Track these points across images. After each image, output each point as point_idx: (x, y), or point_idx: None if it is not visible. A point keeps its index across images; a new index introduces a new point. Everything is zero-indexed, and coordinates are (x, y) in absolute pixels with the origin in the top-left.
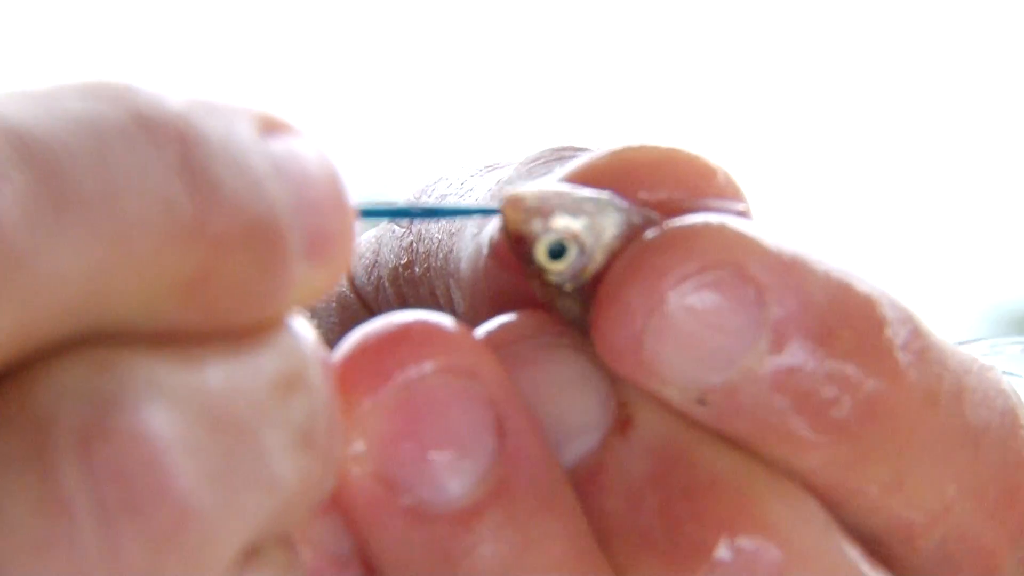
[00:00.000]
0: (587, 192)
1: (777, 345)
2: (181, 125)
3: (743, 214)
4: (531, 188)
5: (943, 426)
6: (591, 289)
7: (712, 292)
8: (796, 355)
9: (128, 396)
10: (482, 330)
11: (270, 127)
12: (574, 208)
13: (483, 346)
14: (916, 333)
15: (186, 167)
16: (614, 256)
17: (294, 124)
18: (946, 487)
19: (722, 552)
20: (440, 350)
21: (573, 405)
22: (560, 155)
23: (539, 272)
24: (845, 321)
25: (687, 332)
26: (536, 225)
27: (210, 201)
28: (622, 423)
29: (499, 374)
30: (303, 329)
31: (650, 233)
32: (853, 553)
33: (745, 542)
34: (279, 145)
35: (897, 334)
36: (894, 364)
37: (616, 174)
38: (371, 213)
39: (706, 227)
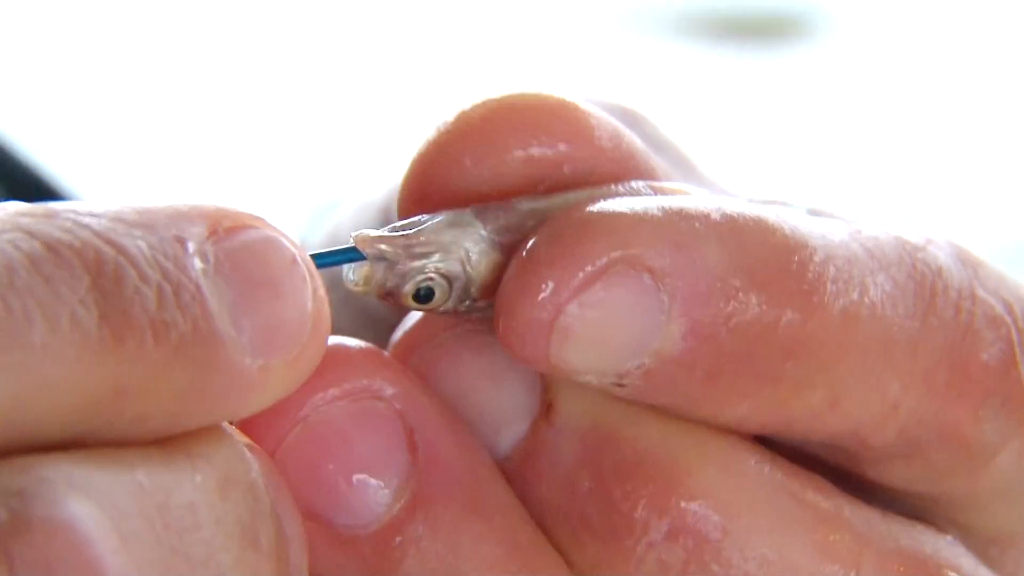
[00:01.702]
0: (437, 221)
1: (684, 322)
2: (93, 250)
3: (619, 153)
4: (375, 242)
5: (868, 337)
6: (491, 289)
7: (608, 290)
8: (704, 325)
9: (48, 491)
10: (400, 330)
11: (220, 226)
12: (425, 245)
13: (386, 362)
14: (816, 255)
15: (96, 290)
16: (500, 260)
17: (248, 218)
18: (887, 389)
19: (659, 527)
20: (340, 376)
21: (499, 394)
22: None
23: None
24: (746, 274)
25: (590, 333)
26: (391, 281)
27: (121, 322)
28: (547, 407)
29: (406, 387)
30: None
31: (531, 240)
32: (799, 491)
33: (680, 513)
34: (227, 244)
35: (800, 263)
36: (804, 299)
37: (487, 127)
38: None
39: (586, 223)
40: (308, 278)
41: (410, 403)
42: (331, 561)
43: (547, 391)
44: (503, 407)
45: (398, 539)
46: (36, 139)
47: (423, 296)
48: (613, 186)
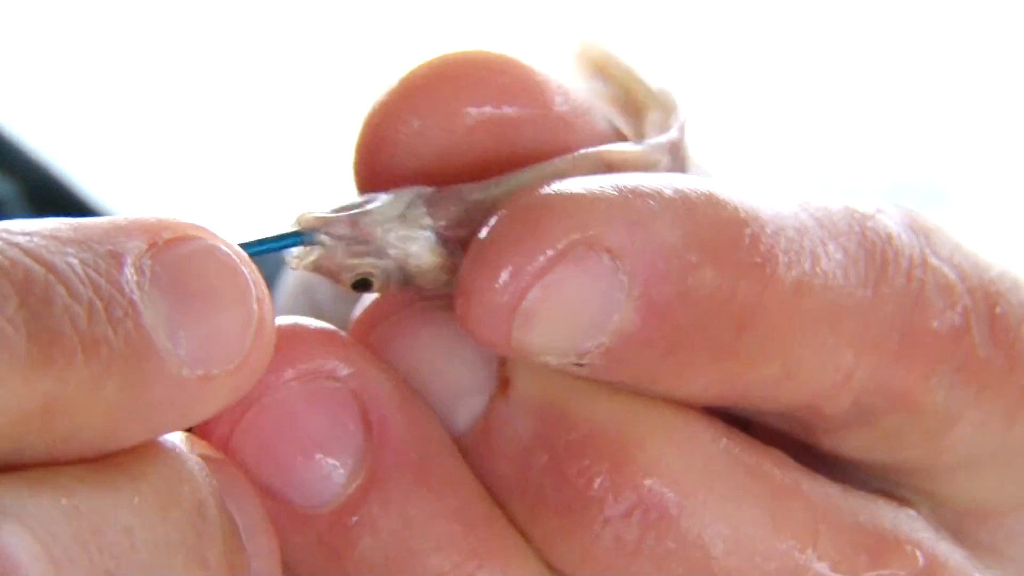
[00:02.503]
0: (384, 210)
1: (642, 300)
2: (22, 269)
3: (571, 115)
4: (318, 224)
5: (820, 307)
6: (435, 280)
7: (566, 271)
8: (662, 301)
9: None
10: (359, 307)
11: (160, 238)
12: (364, 242)
13: (341, 342)
14: (767, 227)
15: (24, 309)
16: (445, 255)
17: (189, 228)
18: (841, 358)
19: (614, 503)
20: (294, 357)
21: (455, 370)
22: None
23: None
24: (701, 249)
25: (550, 315)
26: (328, 266)
27: (50, 340)
28: (502, 384)
29: (361, 367)
30: (191, 449)
31: (490, 223)
32: (756, 464)
33: (635, 489)
34: (165, 257)
35: (752, 235)
36: (757, 271)
37: (431, 86)
38: None
39: (544, 206)
40: (250, 286)
41: (365, 382)
42: (289, 541)
43: (503, 367)
44: (460, 383)
45: (354, 518)
46: (48, 138)
47: (360, 285)
48: (558, 160)
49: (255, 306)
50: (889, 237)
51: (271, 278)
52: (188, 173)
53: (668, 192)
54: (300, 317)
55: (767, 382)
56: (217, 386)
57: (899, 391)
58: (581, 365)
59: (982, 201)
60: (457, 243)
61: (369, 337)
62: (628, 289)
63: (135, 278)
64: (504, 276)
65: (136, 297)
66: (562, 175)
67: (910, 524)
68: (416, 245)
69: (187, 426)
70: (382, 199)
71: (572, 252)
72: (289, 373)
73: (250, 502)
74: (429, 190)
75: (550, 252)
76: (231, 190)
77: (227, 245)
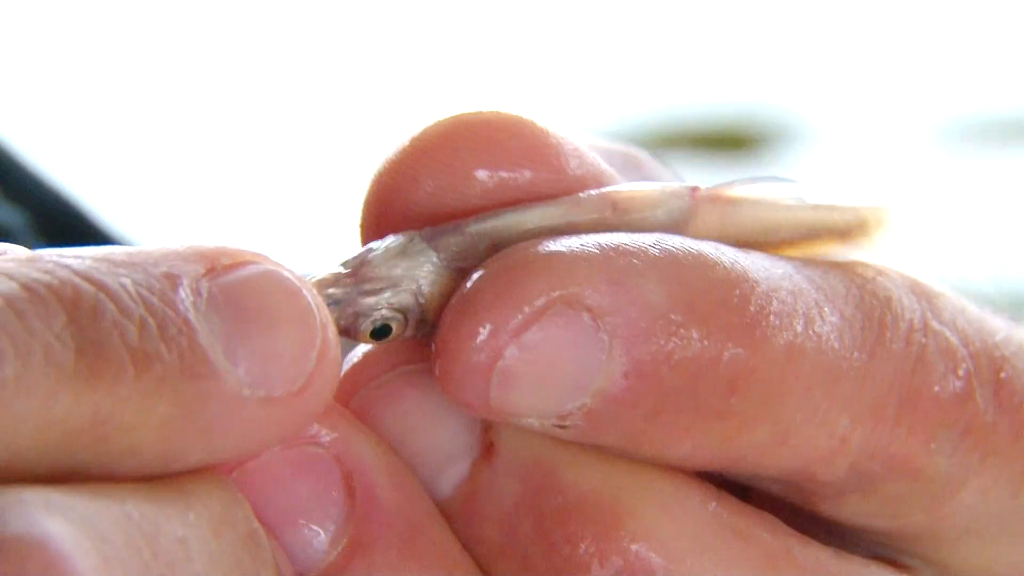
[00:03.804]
0: (386, 251)
1: (625, 360)
2: (71, 287)
3: (588, 177)
4: (321, 280)
5: (813, 371)
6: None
7: (546, 331)
8: (646, 362)
9: (24, 510)
10: (343, 367)
11: (219, 264)
12: (375, 281)
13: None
14: (758, 288)
15: (73, 325)
16: (452, 285)
17: (249, 255)
18: (836, 423)
19: (601, 570)
20: None
21: (439, 434)
22: None
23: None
24: (687, 309)
25: (530, 376)
26: (346, 320)
27: (98, 355)
28: (487, 448)
29: (345, 432)
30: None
31: (471, 280)
32: (746, 529)
33: (622, 556)
34: (223, 280)
35: (741, 296)
36: (746, 334)
37: (444, 146)
38: None
39: (525, 263)
40: (312, 308)
41: (349, 448)
42: None
43: (487, 431)
44: (444, 448)
45: None
46: (61, 165)
47: (380, 333)
48: (563, 199)
49: (318, 329)
50: (888, 300)
51: None
52: (204, 204)
53: (653, 251)
54: None
55: (759, 446)
56: (280, 409)
57: (899, 457)
58: (564, 427)
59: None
60: (460, 272)
61: (352, 401)
62: (610, 349)
63: (191, 298)
64: (481, 335)
65: (191, 316)
66: (565, 214)
67: None
68: (424, 272)
69: (251, 452)
70: (377, 244)
71: (551, 310)
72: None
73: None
74: (423, 230)
75: (528, 310)
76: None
77: (288, 271)
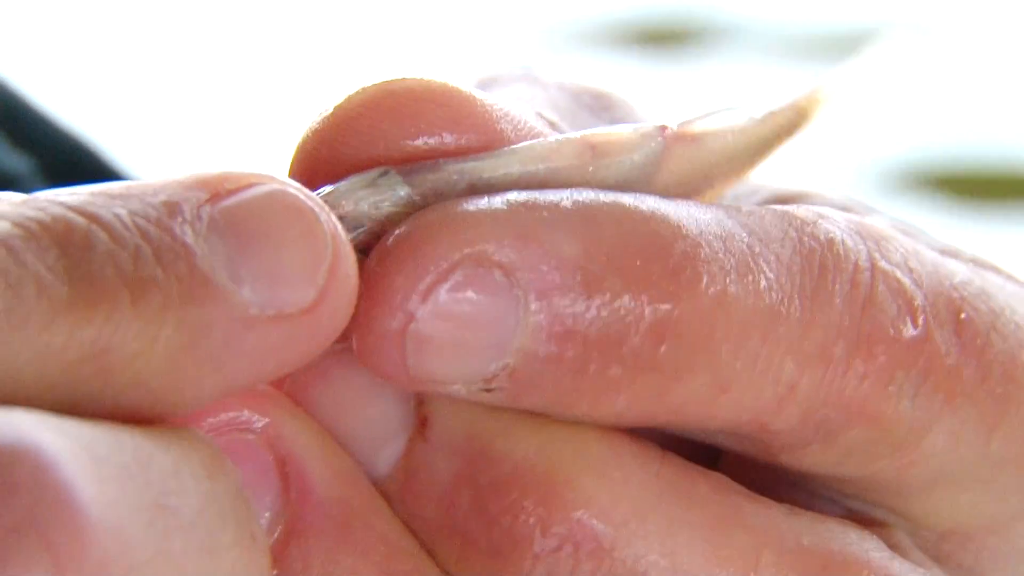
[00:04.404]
0: (352, 180)
1: (542, 316)
2: (63, 222)
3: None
4: None
5: (748, 317)
6: None
7: (459, 292)
8: (564, 318)
9: (16, 421)
10: None
11: (222, 188)
12: (335, 207)
13: (256, 391)
14: (682, 235)
15: (65, 258)
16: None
17: (254, 176)
18: (780, 370)
19: (543, 540)
20: (208, 409)
21: (373, 412)
22: (485, 84)
23: None
24: (603, 260)
25: (447, 340)
26: None
27: (92, 285)
28: (421, 423)
29: (277, 416)
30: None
31: (380, 245)
32: (691, 490)
33: (563, 525)
34: (226, 203)
35: (663, 245)
36: (670, 281)
37: (366, 116)
38: None
39: (429, 225)
40: (319, 222)
41: (281, 433)
42: None
43: (421, 405)
44: (378, 426)
45: (274, 572)
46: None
47: None
48: (540, 141)
49: (328, 243)
50: (830, 242)
51: None
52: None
53: (565, 204)
54: None
55: (699, 398)
56: (295, 327)
57: (855, 402)
58: (491, 391)
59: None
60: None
61: (284, 383)
62: (525, 305)
63: (190, 223)
64: (390, 301)
65: (189, 240)
66: (545, 158)
67: (860, 544)
68: (391, 206)
69: (270, 374)
70: (345, 179)
71: (460, 269)
72: (201, 426)
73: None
74: (400, 166)
75: (435, 270)
76: None
77: (295, 187)
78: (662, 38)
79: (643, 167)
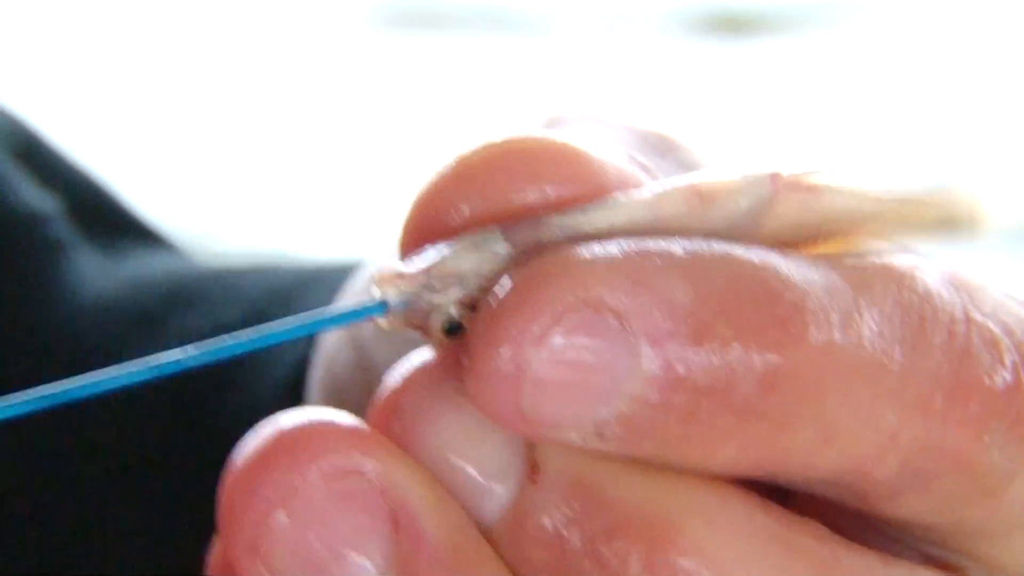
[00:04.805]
0: (457, 246)
1: (654, 362)
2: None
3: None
4: (395, 279)
5: (853, 368)
6: None
7: (573, 337)
8: (676, 364)
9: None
10: (379, 393)
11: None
12: (444, 278)
13: (367, 436)
14: (791, 286)
15: None
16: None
17: None
18: (882, 419)
19: None
20: (320, 455)
21: (482, 457)
22: (553, 124)
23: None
24: (714, 308)
25: (561, 384)
26: (416, 319)
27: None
28: (531, 469)
29: (387, 462)
30: None
31: (496, 290)
32: (793, 539)
33: (671, 572)
34: None
35: (773, 295)
36: (779, 331)
37: (486, 172)
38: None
39: (545, 270)
40: None
41: (392, 478)
42: None
43: (531, 450)
44: (487, 470)
45: None
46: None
47: (453, 330)
48: (646, 189)
49: None
50: (927, 294)
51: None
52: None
53: (677, 251)
54: (322, 410)
55: (805, 447)
56: None
57: (951, 451)
58: (604, 437)
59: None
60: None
61: (391, 426)
62: (638, 350)
63: None
64: (505, 344)
65: None
66: (652, 206)
67: None
68: (492, 265)
69: None
70: (450, 242)
71: (574, 314)
72: (315, 472)
73: None
74: (503, 224)
75: (551, 315)
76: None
77: None
78: (736, 25)
79: (750, 212)
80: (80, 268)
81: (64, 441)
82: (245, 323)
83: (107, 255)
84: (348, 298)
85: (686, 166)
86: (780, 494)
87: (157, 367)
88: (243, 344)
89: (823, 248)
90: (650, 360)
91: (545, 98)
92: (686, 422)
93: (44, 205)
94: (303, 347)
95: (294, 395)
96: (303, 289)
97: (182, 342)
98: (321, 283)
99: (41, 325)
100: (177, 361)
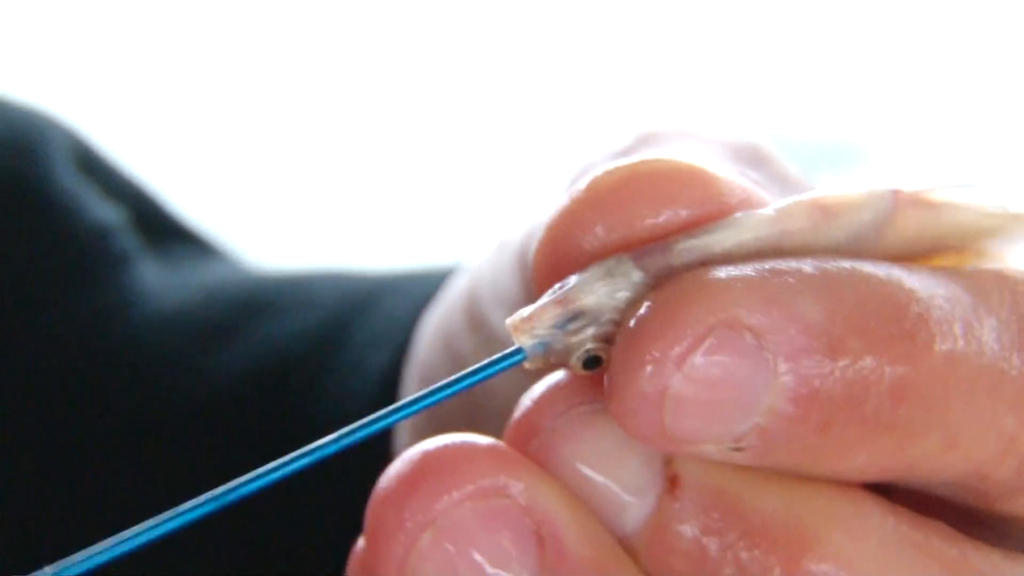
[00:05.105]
0: (586, 279)
1: (790, 378)
2: None
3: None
4: (529, 325)
5: (975, 376)
6: None
7: (713, 356)
8: (811, 379)
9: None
10: (515, 414)
11: None
12: (578, 316)
13: (510, 457)
14: (915, 298)
15: None
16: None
17: None
18: (1002, 424)
19: None
20: (465, 477)
21: (621, 472)
22: (647, 140)
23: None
24: (845, 323)
25: (702, 401)
26: (556, 358)
27: None
28: (671, 482)
29: (530, 481)
30: None
31: (637, 313)
32: (924, 541)
33: None
34: None
35: (899, 308)
36: (907, 343)
37: (618, 196)
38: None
39: (683, 292)
40: None
41: (535, 497)
42: None
43: (669, 465)
44: (626, 485)
45: None
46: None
47: (591, 363)
48: (770, 208)
49: None
50: None
51: None
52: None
53: (808, 269)
54: (466, 435)
55: (931, 454)
56: None
57: None
58: (740, 450)
59: (896, 161)
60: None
61: (528, 447)
62: (774, 367)
63: None
64: (648, 366)
65: None
66: (777, 222)
67: None
68: (626, 293)
69: None
70: (580, 273)
71: (713, 334)
72: (461, 493)
73: None
74: (632, 251)
75: (691, 336)
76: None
77: None
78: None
79: (872, 226)
80: (147, 279)
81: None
82: (322, 329)
83: (168, 264)
84: (439, 308)
85: (779, 178)
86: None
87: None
88: (374, 423)
89: (939, 261)
90: (786, 375)
91: None
92: (820, 433)
93: (110, 217)
94: (398, 339)
95: (388, 389)
96: (379, 296)
97: (258, 352)
98: (398, 291)
99: (115, 337)
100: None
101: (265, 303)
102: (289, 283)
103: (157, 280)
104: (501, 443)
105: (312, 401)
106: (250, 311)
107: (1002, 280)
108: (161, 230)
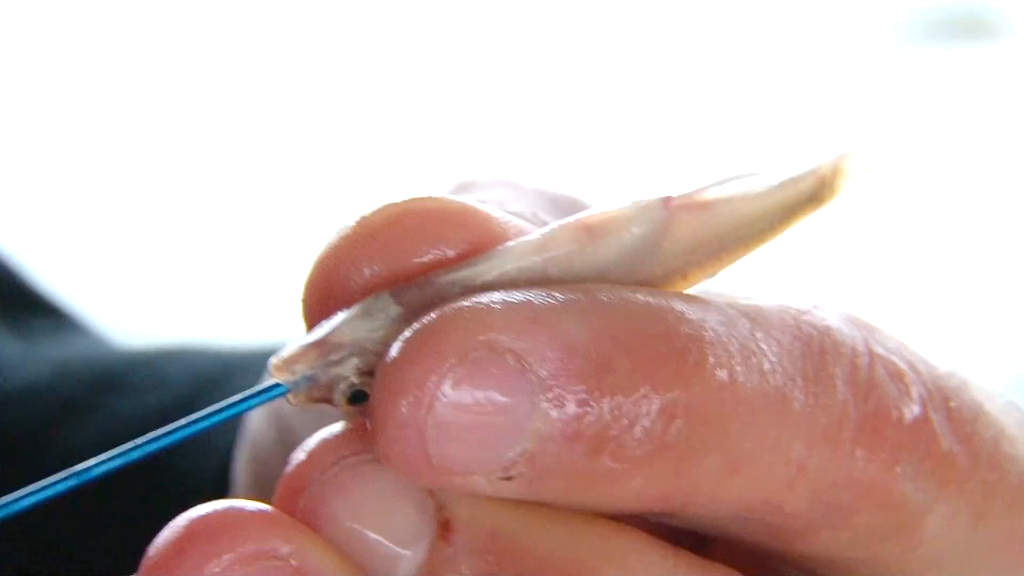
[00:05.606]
0: (348, 316)
1: (556, 400)
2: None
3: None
4: (287, 365)
5: (753, 398)
6: None
7: (474, 380)
8: (576, 398)
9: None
10: (289, 466)
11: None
12: (339, 349)
13: (278, 520)
14: (686, 319)
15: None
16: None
17: None
18: (788, 450)
19: None
20: (234, 541)
21: (392, 523)
22: (464, 188)
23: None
24: (611, 344)
25: (465, 427)
26: (319, 394)
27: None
28: (443, 527)
29: (300, 542)
30: None
31: (394, 345)
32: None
33: None
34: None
35: (669, 329)
36: (676, 363)
37: (387, 234)
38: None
39: (443, 318)
40: None
41: (304, 558)
42: None
43: (441, 510)
44: (398, 537)
45: None
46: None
47: (357, 398)
48: (535, 234)
49: None
50: (827, 329)
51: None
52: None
53: (572, 292)
54: (233, 500)
55: (712, 477)
56: None
57: (864, 483)
58: (511, 479)
59: None
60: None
61: (298, 503)
62: (539, 389)
63: None
64: (407, 393)
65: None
66: (541, 250)
67: None
68: (385, 329)
69: None
70: (345, 311)
71: (474, 357)
72: (228, 558)
73: None
74: (393, 288)
75: (449, 361)
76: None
77: None
78: (968, 28)
79: (645, 239)
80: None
81: None
82: (173, 409)
83: (22, 336)
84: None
85: None
86: (699, 546)
87: (76, 474)
88: (146, 445)
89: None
90: (552, 397)
91: None
92: (591, 456)
93: None
94: (233, 430)
95: (224, 479)
96: (230, 375)
97: (111, 428)
98: (247, 368)
99: None
100: (88, 469)
101: (119, 380)
102: (143, 359)
103: (11, 355)
104: (269, 507)
105: (161, 478)
106: (105, 388)
107: (783, 308)
108: (18, 303)
